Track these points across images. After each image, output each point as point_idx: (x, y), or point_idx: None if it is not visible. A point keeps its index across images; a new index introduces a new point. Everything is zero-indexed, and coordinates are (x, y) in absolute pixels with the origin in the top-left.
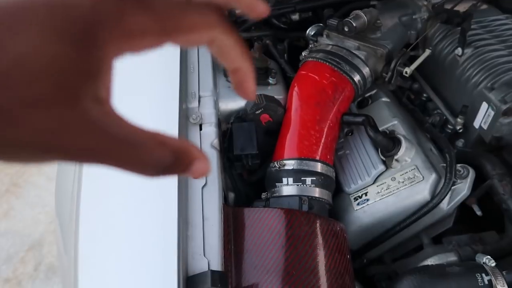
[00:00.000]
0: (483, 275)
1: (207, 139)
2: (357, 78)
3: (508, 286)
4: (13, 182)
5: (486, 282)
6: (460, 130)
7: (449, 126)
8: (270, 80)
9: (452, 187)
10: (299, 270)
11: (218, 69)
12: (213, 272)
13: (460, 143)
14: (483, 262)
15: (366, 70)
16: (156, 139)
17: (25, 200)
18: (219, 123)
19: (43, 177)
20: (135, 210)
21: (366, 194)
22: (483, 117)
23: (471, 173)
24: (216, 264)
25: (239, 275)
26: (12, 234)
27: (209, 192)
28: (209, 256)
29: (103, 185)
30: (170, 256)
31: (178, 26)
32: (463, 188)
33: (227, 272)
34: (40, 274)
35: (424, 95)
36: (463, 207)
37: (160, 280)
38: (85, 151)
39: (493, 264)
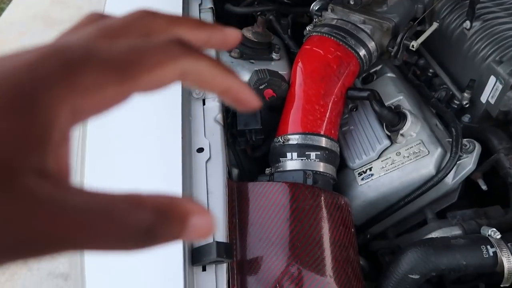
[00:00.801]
0: (488, 247)
1: (210, 113)
2: (362, 52)
3: None
4: None
5: (491, 254)
6: (467, 105)
7: (455, 101)
8: (274, 55)
9: (458, 162)
10: (304, 242)
11: None
12: (218, 243)
13: (466, 118)
14: (488, 235)
15: (371, 45)
16: (129, 200)
17: None
18: None
19: None
20: (139, 184)
21: (370, 169)
22: (490, 91)
23: (477, 148)
24: (221, 236)
25: (243, 247)
26: None
27: (213, 166)
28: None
29: (106, 161)
30: None
31: (139, 68)
32: (468, 163)
33: (232, 244)
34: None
35: (430, 70)
36: (468, 182)
37: (165, 253)
38: (41, 240)
39: (499, 236)
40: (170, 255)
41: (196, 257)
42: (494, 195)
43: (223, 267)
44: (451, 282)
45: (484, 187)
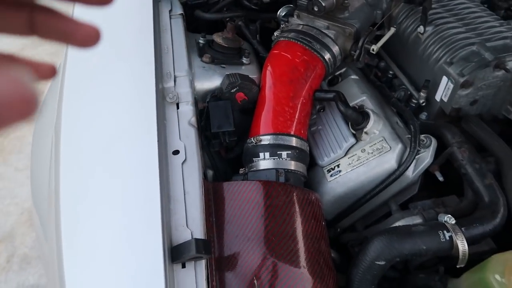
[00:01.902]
0: (445, 232)
1: (184, 117)
2: (327, 56)
3: (466, 241)
4: None
5: (448, 238)
6: (423, 104)
7: (413, 100)
8: (244, 60)
9: (417, 156)
10: (278, 236)
11: (193, 50)
12: (197, 240)
13: (423, 115)
14: (445, 221)
15: (336, 49)
16: None
17: None
18: (195, 102)
19: (11, 168)
20: (117, 188)
21: (338, 166)
22: (443, 90)
23: (433, 142)
24: (199, 234)
25: (221, 244)
26: None
27: (188, 167)
28: (192, 227)
29: (83, 167)
30: (154, 229)
31: None
32: (426, 156)
33: (210, 241)
34: (13, 266)
35: (390, 72)
36: (427, 175)
37: (145, 252)
38: None
39: (453, 222)
40: (149, 254)
41: (175, 255)
42: (451, 185)
43: (202, 263)
44: (415, 268)
45: (441, 179)
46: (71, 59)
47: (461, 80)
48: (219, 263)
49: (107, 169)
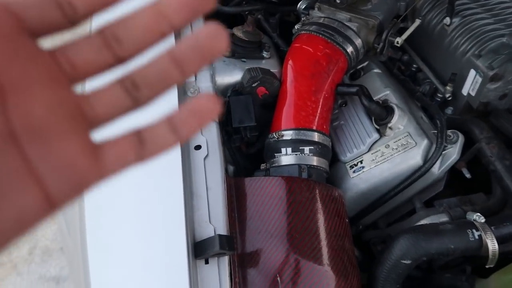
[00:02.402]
0: (474, 230)
1: None
2: (350, 49)
3: (496, 240)
4: None
5: (477, 237)
6: (449, 98)
7: (439, 95)
8: (264, 54)
9: (443, 152)
10: (301, 233)
11: None
12: (220, 236)
13: (449, 110)
14: (473, 219)
15: (358, 42)
16: None
17: None
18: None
19: None
20: (141, 185)
21: (361, 162)
22: (471, 84)
23: (461, 138)
24: (222, 230)
25: (243, 240)
26: None
27: (211, 163)
28: (215, 223)
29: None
30: (178, 225)
31: None
32: (453, 153)
33: (233, 237)
34: (35, 258)
35: (414, 65)
36: (453, 171)
37: (169, 248)
38: None
39: (483, 221)
40: (174, 249)
41: (199, 251)
42: (478, 182)
43: (225, 260)
44: (439, 267)
45: (468, 176)
46: None
47: (491, 73)
48: (242, 259)
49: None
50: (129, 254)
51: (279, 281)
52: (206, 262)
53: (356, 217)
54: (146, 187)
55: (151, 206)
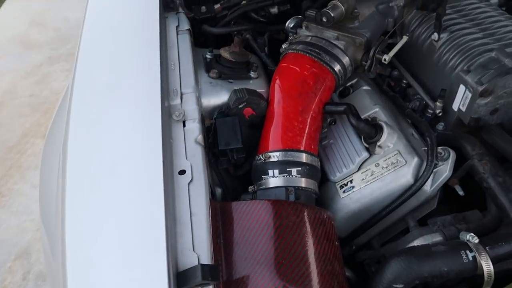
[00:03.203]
0: (467, 251)
1: (191, 135)
2: (337, 67)
3: (491, 261)
4: None
5: (471, 258)
6: (440, 114)
7: (429, 111)
8: (252, 74)
9: (434, 170)
10: (289, 259)
11: (200, 65)
12: (203, 266)
13: (440, 126)
14: (467, 240)
15: (346, 60)
16: None
17: (10, 209)
18: (202, 119)
19: (28, 185)
20: (121, 210)
21: (351, 181)
22: (461, 100)
23: (452, 155)
24: (206, 258)
25: (229, 268)
26: None
27: (195, 188)
28: (199, 250)
29: (88, 187)
30: (159, 253)
31: None
32: (445, 170)
33: (218, 265)
34: (29, 283)
35: (404, 81)
36: (446, 189)
37: (150, 278)
38: None
39: (477, 241)
40: (154, 279)
41: (181, 281)
42: (472, 198)
43: None
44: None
45: (461, 193)
46: (79, 79)
47: (480, 88)
48: (228, 287)
49: (112, 190)
50: (109, 283)
51: None
52: None
53: (348, 237)
54: (127, 213)
55: (132, 233)
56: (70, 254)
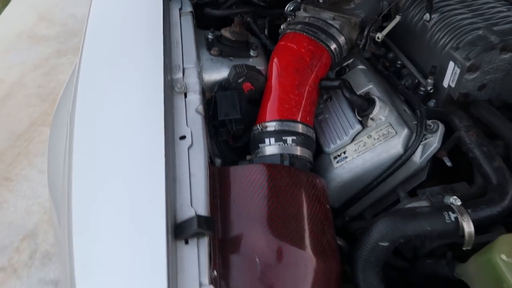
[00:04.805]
0: (450, 213)
1: (192, 105)
2: (333, 46)
3: (473, 223)
4: (4, 176)
5: (453, 219)
6: (431, 91)
7: (421, 88)
8: (251, 53)
9: (424, 141)
10: (280, 217)
11: (202, 45)
12: (199, 216)
13: (432, 103)
14: (450, 202)
15: (341, 39)
16: None
17: (18, 193)
18: (203, 92)
19: (35, 170)
20: (125, 171)
21: (344, 152)
22: (451, 76)
23: (441, 127)
24: (203, 213)
25: (225, 225)
26: (6, 226)
27: (195, 151)
28: (196, 206)
29: (94, 149)
30: (158, 207)
31: None
32: (434, 142)
33: (214, 220)
34: (35, 262)
35: (399, 62)
36: (437, 163)
37: (149, 228)
38: None
39: (459, 203)
40: (153, 230)
41: (178, 231)
42: (462, 173)
43: (205, 241)
44: (424, 255)
45: (449, 164)
46: (86, 57)
47: (467, 63)
48: (223, 242)
49: (116, 152)
50: (111, 236)
51: (258, 262)
52: (186, 242)
53: (342, 207)
54: (130, 173)
55: (134, 190)
56: (75, 216)
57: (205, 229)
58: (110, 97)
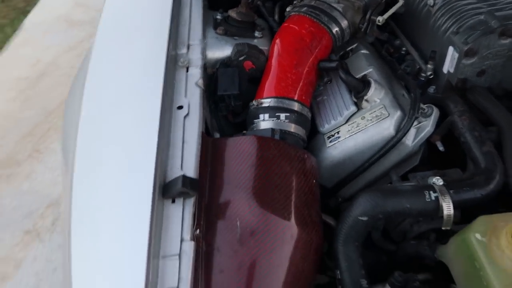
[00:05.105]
0: (431, 192)
1: (192, 79)
2: (335, 29)
3: (454, 204)
4: (35, 148)
5: (433, 198)
6: (431, 76)
7: (422, 74)
8: (256, 34)
9: (417, 125)
10: (264, 185)
11: (209, 24)
12: (184, 176)
13: (431, 89)
14: (433, 182)
15: (344, 22)
16: None
17: (45, 165)
18: (204, 67)
19: None
20: (121, 132)
21: (338, 132)
22: (450, 61)
23: (435, 112)
24: (191, 175)
25: (212, 191)
26: (34, 194)
27: (190, 121)
28: (186, 170)
29: (99, 109)
30: (148, 166)
31: None
32: (427, 125)
33: (202, 183)
34: (57, 228)
35: (403, 49)
36: (432, 149)
37: (138, 185)
38: None
39: (441, 183)
40: (141, 187)
41: (166, 190)
42: (457, 160)
43: (191, 201)
44: (412, 239)
45: (441, 148)
46: (101, 29)
47: (465, 48)
48: (209, 206)
49: (117, 117)
50: (104, 191)
51: (238, 225)
52: (173, 201)
53: (334, 188)
54: (126, 134)
55: (128, 149)
56: (78, 168)
57: (189, 189)
58: (117, 67)
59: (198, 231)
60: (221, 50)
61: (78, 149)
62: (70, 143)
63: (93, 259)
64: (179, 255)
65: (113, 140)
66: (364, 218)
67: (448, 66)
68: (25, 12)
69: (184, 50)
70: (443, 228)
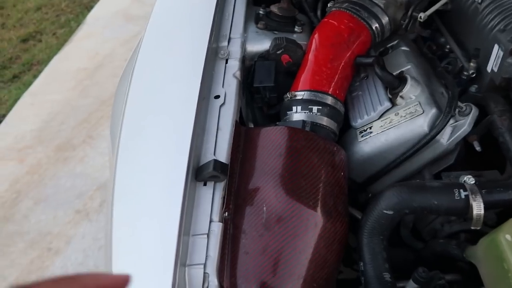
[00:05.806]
0: (461, 190)
1: (230, 70)
2: (375, 25)
3: (485, 204)
4: (88, 134)
5: (463, 197)
6: (473, 75)
7: (465, 73)
8: (296, 29)
9: (454, 123)
10: (292, 174)
11: (251, 19)
12: (215, 160)
13: (473, 88)
14: (464, 181)
15: (385, 18)
16: None
17: (97, 150)
18: (243, 60)
19: None
20: (161, 117)
21: (370, 127)
22: (494, 60)
23: (474, 111)
24: (223, 160)
25: (242, 177)
26: (85, 176)
27: (225, 110)
28: (219, 155)
29: (144, 95)
30: (184, 149)
31: None
32: (464, 124)
33: (233, 168)
34: (104, 210)
35: (448, 46)
36: (470, 149)
37: (174, 169)
38: None
39: (472, 182)
40: (176, 169)
41: (198, 173)
42: (496, 162)
43: (221, 185)
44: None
45: (478, 148)
46: (151, 23)
47: (511, 46)
48: (238, 191)
49: (159, 103)
50: (142, 173)
51: (265, 210)
52: (205, 184)
53: (365, 183)
54: (166, 121)
55: (165, 135)
56: (121, 154)
57: (219, 173)
58: (162, 58)
59: (226, 213)
60: (260, 44)
61: (123, 133)
62: (116, 129)
63: (130, 233)
64: (208, 234)
65: (153, 126)
66: (390, 212)
67: (492, 64)
68: (89, 8)
69: (225, 43)
70: (472, 228)
